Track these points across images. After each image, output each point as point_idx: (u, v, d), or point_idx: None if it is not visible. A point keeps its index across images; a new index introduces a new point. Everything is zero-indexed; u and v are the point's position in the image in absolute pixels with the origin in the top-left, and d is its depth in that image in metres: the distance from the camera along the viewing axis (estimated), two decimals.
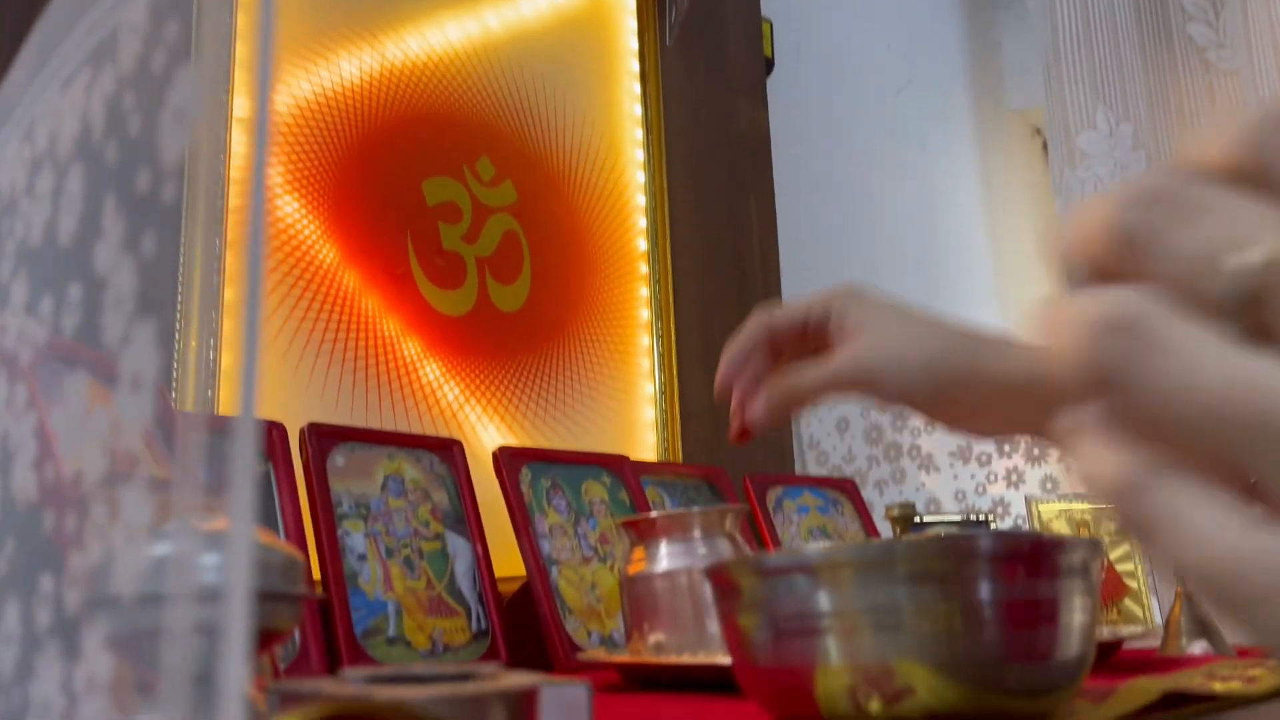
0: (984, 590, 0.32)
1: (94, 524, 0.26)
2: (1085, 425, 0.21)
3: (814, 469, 1.24)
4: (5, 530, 0.31)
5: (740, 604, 0.35)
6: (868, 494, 1.16)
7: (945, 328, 0.51)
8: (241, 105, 0.90)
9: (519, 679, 0.30)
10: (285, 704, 0.30)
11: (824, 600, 0.32)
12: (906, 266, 1.46)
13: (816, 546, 0.35)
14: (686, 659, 0.53)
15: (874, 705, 0.32)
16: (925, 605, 0.31)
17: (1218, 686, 0.46)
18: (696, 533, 0.61)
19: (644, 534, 0.62)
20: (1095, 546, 0.34)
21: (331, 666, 0.70)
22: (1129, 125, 1.50)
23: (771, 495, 1.03)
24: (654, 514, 0.62)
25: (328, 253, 0.94)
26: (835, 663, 0.32)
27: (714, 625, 0.59)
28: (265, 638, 0.36)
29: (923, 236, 1.49)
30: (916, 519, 0.61)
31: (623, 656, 0.58)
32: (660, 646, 0.59)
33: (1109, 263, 0.21)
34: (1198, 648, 0.67)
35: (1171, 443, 0.20)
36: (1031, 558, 0.33)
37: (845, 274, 1.40)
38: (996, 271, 1.63)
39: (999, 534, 0.33)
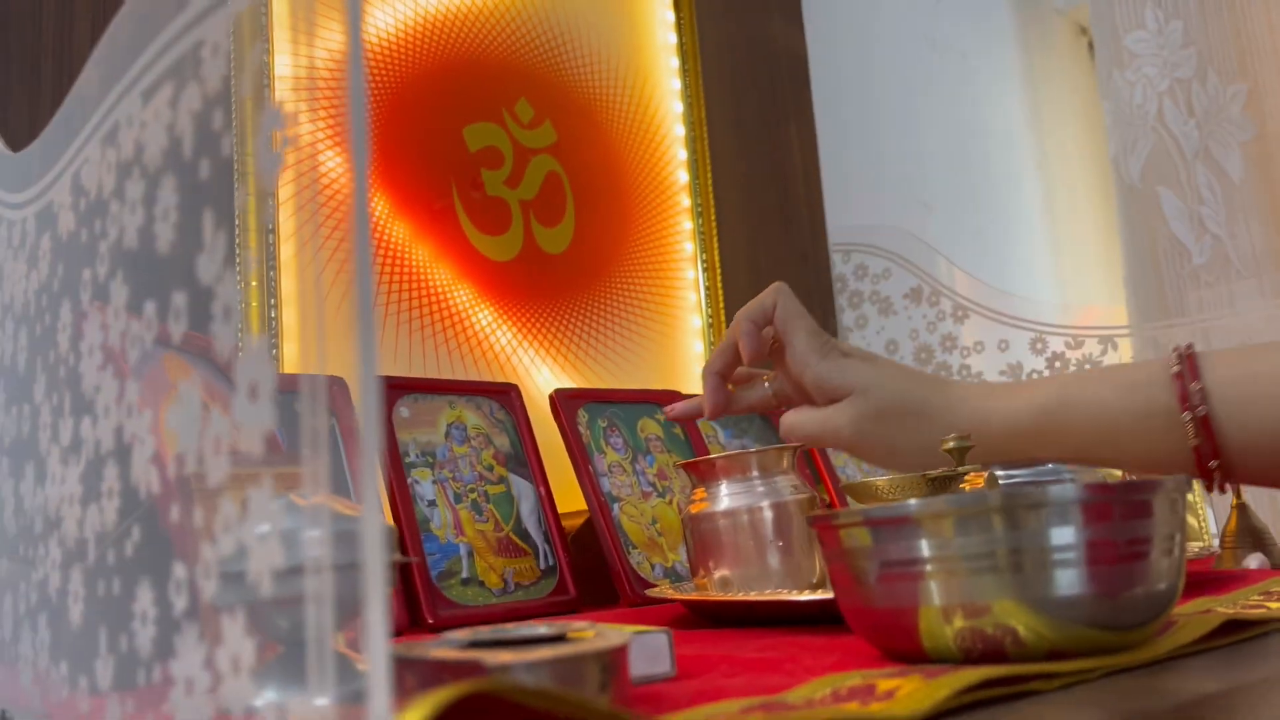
0: (1072, 534, 0.34)
1: (221, 519, 0.28)
2: None
3: None
4: (131, 518, 0.34)
5: (845, 551, 0.38)
6: None
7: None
8: (282, 63, 0.91)
9: (608, 637, 0.32)
10: (397, 670, 0.32)
11: (925, 548, 0.35)
12: (952, 181, 1.44)
13: (912, 501, 0.37)
14: (754, 596, 0.55)
15: (973, 643, 0.35)
16: (1020, 549, 0.34)
17: (1274, 606, 0.48)
18: (755, 471, 0.63)
19: (704, 475, 0.64)
20: (1182, 484, 0.37)
21: (410, 608, 0.74)
22: (1179, 22, 1.46)
23: None
24: (713, 456, 0.64)
25: (376, 205, 0.96)
26: (937, 604, 0.35)
27: (775, 560, 0.61)
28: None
29: (968, 148, 1.47)
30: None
31: (692, 594, 0.61)
32: (726, 582, 0.61)
33: None
34: (1253, 561, 0.68)
35: None
36: (1121, 502, 0.35)
37: (889, 193, 1.40)
38: (1044, 179, 1.60)
39: (1087, 486, 0.36)
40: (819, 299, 1.23)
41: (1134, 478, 0.40)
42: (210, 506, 0.31)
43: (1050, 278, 1.40)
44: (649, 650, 0.39)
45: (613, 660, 0.31)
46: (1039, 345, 1.17)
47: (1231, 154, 1.43)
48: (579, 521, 0.90)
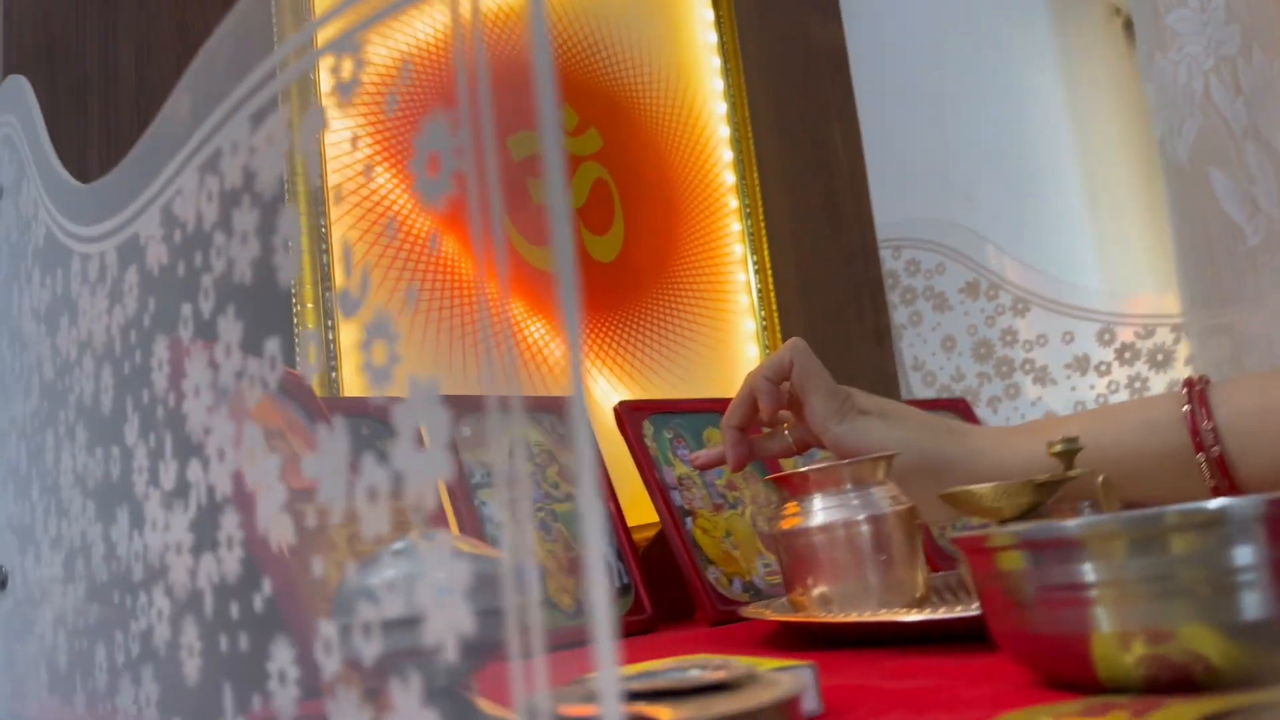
0: (1260, 552, 0.32)
1: (385, 581, 0.26)
2: None
3: (920, 391, 1.23)
4: (264, 567, 0.32)
5: (1000, 574, 0.36)
6: (980, 412, 1.15)
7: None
8: (327, 79, 0.89)
9: (778, 682, 0.30)
10: None
11: (1094, 571, 0.33)
12: (992, 171, 1.42)
13: (1078, 520, 0.35)
14: (869, 616, 0.53)
15: (1158, 671, 0.33)
16: (1208, 570, 0.32)
17: None
18: (849, 484, 0.61)
19: (796, 489, 0.62)
20: None
21: None
22: None
23: None
24: (805, 469, 0.62)
25: (423, 221, 0.93)
26: (1112, 630, 0.33)
27: (877, 575, 0.59)
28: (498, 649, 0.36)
29: (1007, 137, 1.44)
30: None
31: (792, 615, 0.59)
32: (826, 599, 0.59)
33: None
34: None
35: None
36: None
37: (933, 186, 1.37)
38: (1084, 163, 1.57)
39: (1267, 498, 0.33)
40: (870, 296, 1.20)
41: None
42: (346, 556, 0.28)
43: (1096, 265, 1.37)
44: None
45: (791, 710, 0.29)
46: (1106, 337, 1.14)
47: None
48: (647, 535, 0.88)
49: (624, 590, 0.80)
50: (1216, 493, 0.61)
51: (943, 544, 0.94)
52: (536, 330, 0.97)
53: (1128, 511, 0.35)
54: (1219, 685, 0.33)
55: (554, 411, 0.86)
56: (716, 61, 1.16)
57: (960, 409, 1.06)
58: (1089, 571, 0.34)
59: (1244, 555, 0.33)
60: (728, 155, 1.15)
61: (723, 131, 1.15)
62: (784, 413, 0.73)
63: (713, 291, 1.11)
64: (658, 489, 0.81)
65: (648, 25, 1.13)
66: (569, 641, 0.77)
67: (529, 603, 0.23)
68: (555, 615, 0.76)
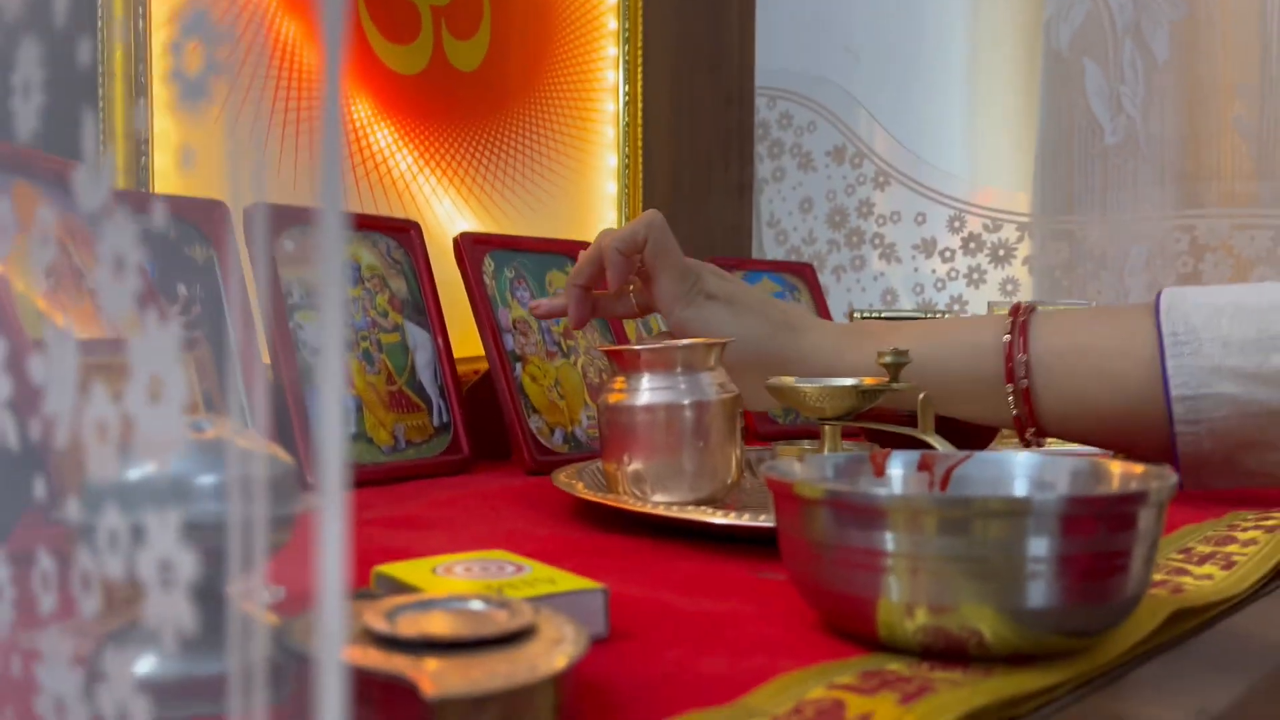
0: (1055, 546, 0.33)
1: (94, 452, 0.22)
2: None
3: (771, 249, 1.22)
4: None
5: (803, 525, 0.36)
6: (824, 279, 1.15)
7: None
8: None
9: (562, 638, 0.29)
10: (302, 670, 0.28)
11: (893, 543, 0.33)
12: (880, 30, 1.36)
13: (888, 492, 0.35)
14: (675, 512, 0.53)
15: (935, 640, 0.34)
16: (998, 557, 0.33)
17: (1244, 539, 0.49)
18: (679, 366, 0.59)
19: (626, 365, 0.60)
20: (1170, 488, 0.35)
21: None
22: None
23: None
24: (636, 346, 0.60)
25: None
26: (899, 599, 0.34)
27: (690, 459, 0.59)
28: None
29: (902, 31, 1.37)
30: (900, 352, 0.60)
31: (600, 496, 0.58)
32: (639, 477, 0.59)
33: None
34: None
35: None
36: (1108, 516, 0.34)
37: (819, 38, 1.31)
38: (971, 38, 1.54)
39: (1078, 498, 0.34)
40: (739, 146, 1.17)
41: (1124, 488, 0.39)
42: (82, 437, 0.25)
43: (961, 148, 1.36)
44: (583, 611, 0.36)
45: (565, 680, 0.28)
46: (956, 224, 1.15)
47: (1160, 32, 1.40)
48: (473, 368, 0.86)
49: (442, 429, 0.78)
50: (1018, 422, 0.64)
51: (780, 420, 0.96)
52: (382, 137, 0.90)
53: (938, 493, 0.35)
54: (989, 658, 0.34)
55: (392, 234, 0.81)
56: None
57: (806, 274, 1.06)
58: (889, 541, 0.34)
59: (1038, 547, 0.33)
60: None
61: None
62: (632, 277, 0.71)
63: (578, 119, 1.05)
64: (490, 331, 0.78)
65: None
66: (382, 478, 0.75)
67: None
68: (370, 450, 0.73)
